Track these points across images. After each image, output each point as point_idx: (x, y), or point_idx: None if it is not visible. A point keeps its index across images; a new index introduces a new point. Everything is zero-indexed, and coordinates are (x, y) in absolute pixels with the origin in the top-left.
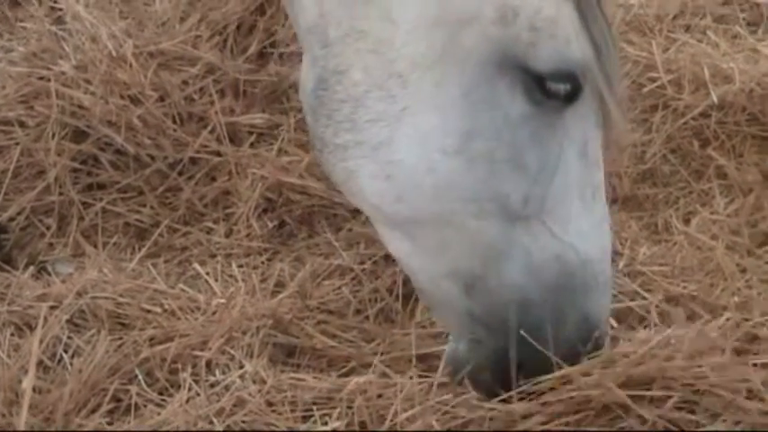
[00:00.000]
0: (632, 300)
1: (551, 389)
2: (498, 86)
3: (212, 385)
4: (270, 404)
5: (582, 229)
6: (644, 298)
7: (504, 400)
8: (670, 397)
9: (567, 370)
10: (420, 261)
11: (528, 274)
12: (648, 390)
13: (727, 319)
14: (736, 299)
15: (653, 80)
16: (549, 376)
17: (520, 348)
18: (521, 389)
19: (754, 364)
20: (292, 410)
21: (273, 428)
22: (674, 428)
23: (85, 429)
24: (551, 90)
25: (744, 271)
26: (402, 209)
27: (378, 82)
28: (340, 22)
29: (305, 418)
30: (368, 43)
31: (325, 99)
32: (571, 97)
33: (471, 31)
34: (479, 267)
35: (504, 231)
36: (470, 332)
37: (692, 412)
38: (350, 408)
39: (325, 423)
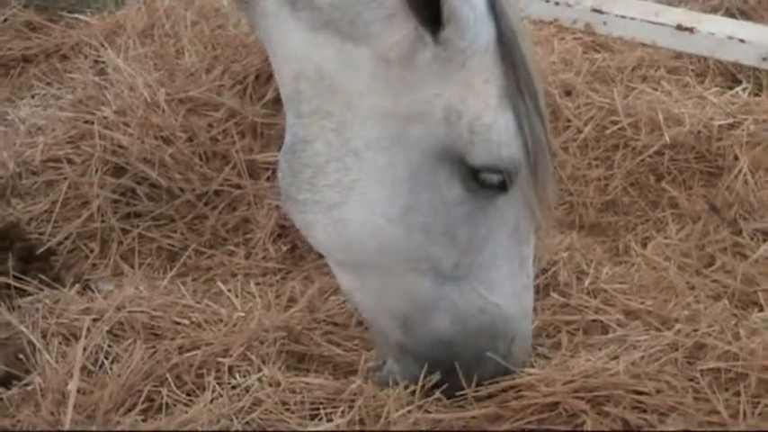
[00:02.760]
0: (596, 313)
1: (519, 396)
2: (439, 173)
3: (233, 387)
4: (283, 403)
5: (506, 291)
6: (606, 312)
7: (478, 403)
8: (623, 399)
9: (522, 379)
10: (363, 298)
11: (453, 323)
12: (605, 395)
13: (678, 331)
14: (686, 312)
15: (615, 123)
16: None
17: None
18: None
19: (701, 370)
20: (302, 409)
21: (286, 425)
22: (628, 428)
23: (123, 426)
24: (484, 181)
25: (693, 288)
26: (349, 257)
27: (336, 155)
28: (310, 100)
29: (312, 416)
30: (331, 122)
31: (292, 161)
32: (502, 188)
33: (420, 126)
34: (412, 313)
35: (435, 288)
36: (400, 356)
37: (645, 411)
38: (351, 407)
39: (330, 420)
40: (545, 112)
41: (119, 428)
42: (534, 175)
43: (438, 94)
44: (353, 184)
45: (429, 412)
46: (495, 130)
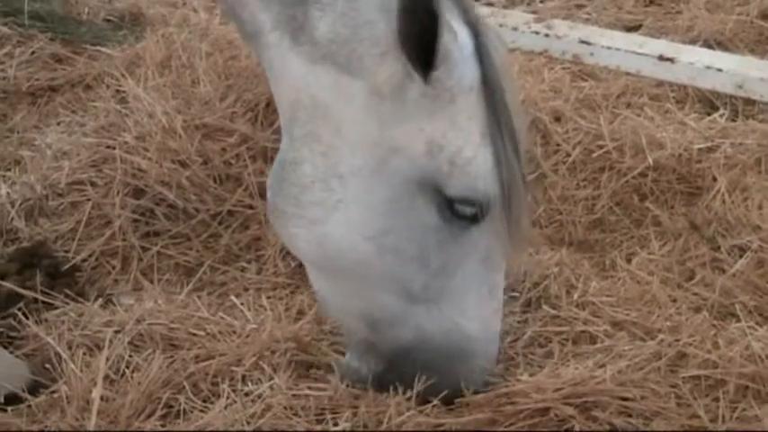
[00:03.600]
0: (585, 324)
1: (512, 402)
2: (417, 200)
3: (246, 394)
4: (291, 409)
5: (473, 315)
6: (594, 323)
7: (474, 408)
8: (610, 405)
9: (516, 387)
10: (335, 299)
11: (419, 340)
12: (593, 401)
13: (662, 340)
14: (668, 323)
15: (601, 147)
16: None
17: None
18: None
19: (683, 377)
20: (308, 414)
21: (294, 429)
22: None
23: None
24: (458, 212)
25: (674, 301)
26: (327, 265)
27: (322, 177)
28: (304, 125)
29: (319, 421)
30: (320, 146)
31: (281, 178)
32: (475, 219)
33: (402, 157)
34: (380, 320)
35: (404, 306)
36: (363, 353)
37: (630, 416)
38: (354, 413)
39: (336, 424)
40: (522, 151)
41: None
42: (508, 210)
43: (422, 129)
44: (336, 203)
45: (428, 416)
46: (474, 165)
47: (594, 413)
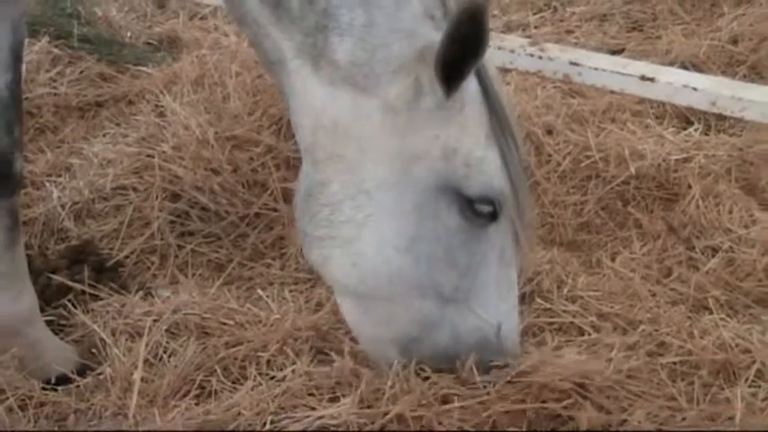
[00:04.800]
0: (573, 316)
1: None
2: (440, 205)
3: (272, 378)
4: (307, 388)
5: (497, 311)
6: (582, 315)
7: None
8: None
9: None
10: (369, 328)
11: (454, 338)
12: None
13: (642, 331)
14: (648, 315)
15: (588, 157)
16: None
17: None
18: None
19: (661, 364)
20: (322, 393)
21: (311, 406)
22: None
23: (179, 409)
24: (478, 210)
25: (654, 295)
26: (362, 287)
27: (350, 194)
28: (326, 147)
29: (331, 399)
30: (345, 165)
31: (310, 203)
32: (493, 217)
33: (422, 164)
34: (417, 333)
35: (438, 309)
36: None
37: (617, 398)
38: (357, 388)
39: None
40: (522, 150)
41: (176, 411)
42: (517, 202)
43: (438, 136)
44: (366, 219)
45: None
46: (485, 163)
47: (585, 393)
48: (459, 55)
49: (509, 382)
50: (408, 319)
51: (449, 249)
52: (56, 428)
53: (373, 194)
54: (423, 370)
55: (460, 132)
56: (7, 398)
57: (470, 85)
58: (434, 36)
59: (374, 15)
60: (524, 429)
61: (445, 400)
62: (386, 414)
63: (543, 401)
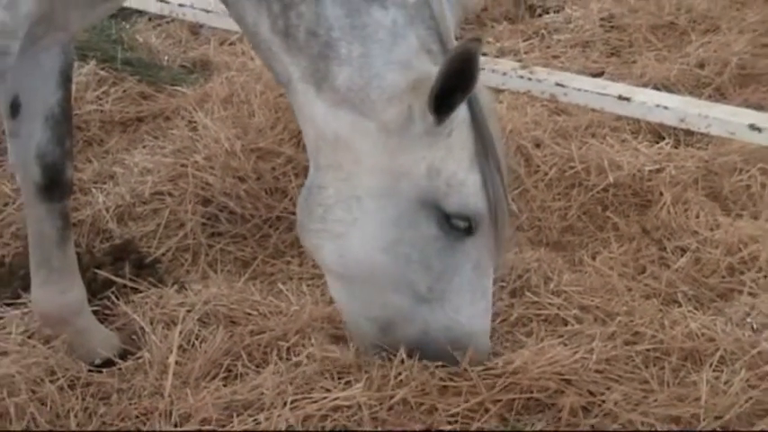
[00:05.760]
0: (558, 309)
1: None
2: (420, 215)
3: (291, 363)
4: (322, 373)
5: (468, 313)
6: (566, 308)
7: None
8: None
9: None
10: (351, 306)
11: (424, 334)
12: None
13: (619, 322)
14: (624, 308)
15: (572, 168)
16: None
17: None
18: None
19: (636, 351)
20: (333, 377)
21: (326, 388)
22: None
23: (209, 390)
24: (454, 225)
25: (630, 290)
26: (346, 274)
27: (343, 199)
28: (327, 156)
29: (345, 383)
30: (341, 173)
31: (309, 200)
32: (468, 231)
33: (408, 180)
34: (391, 320)
35: (411, 305)
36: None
37: (596, 382)
38: (367, 373)
39: (357, 383)
40: (506, 176)
41: (206, 392)
42: (495, 223)
43: (424, 157)
44: (354, 221)
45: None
46: (466, 185)
47: (568, 377)
48: (450, 89)
49: (501, 375)
50: (383, 307)
51: (425, 255)
52: (101, 405)
53: (363, 201)
54: (424, 361)
55: (446, 155)
56: (58, 378)
57: (460, 113)
58: (430, 68)
59: (370, 48)
60: (513, 415)
61: (443, 387)
62: (392, 398)
63: (530, 391)
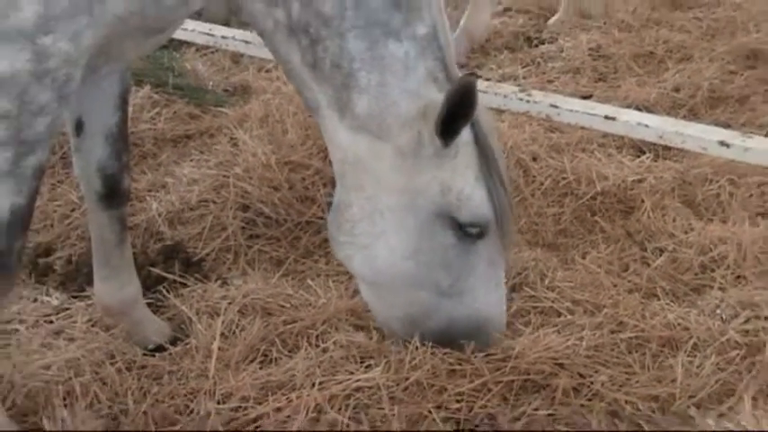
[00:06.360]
0: (552, 302)
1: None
2: (437, 226)
3: (323, 351)
4: (346, 357)
5: (485, 302)
6: (560, 301)
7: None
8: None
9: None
10: (382, 306)
11: (448, 323)
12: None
13: (606, 314)
14: (610, 301)
15: (564, 178)
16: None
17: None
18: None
19: (621, 338)
20: (356, 361)
21: (350, 371)
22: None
23: (247, 372)
24: (468, 231)
25: (615, 285)
26: (375, 280)
27: (367, 215)
28: (351, 177)
29: (366, 365)
30: (364, 193)
31: (338, 217)
32: (480, 236)
33: (424, 197)
34: (417, 316)
35: (436, 301)
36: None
37: (585, 366)
38: (386, 358)
39: (376, 366)
40: (508, 187)
41: (245, 373)
42: (501, 228)
43: (435, 176)
44: (379, 233)
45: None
46: (473, 199)
47: (562, 361)
48: (453, 117)
49: (502, 360)
50: (410, 305)
51: (444, 259)
52: (154, 385)
53: (385, 216)
54: (435, 347)
55: (454, 174)
56: (117, 361)
57: (464, 135)
58: (437, 96)
59: (387, 78)
60: (512, 395)
61: (452, 371)
62: (407, 379)
63: (528, 374)
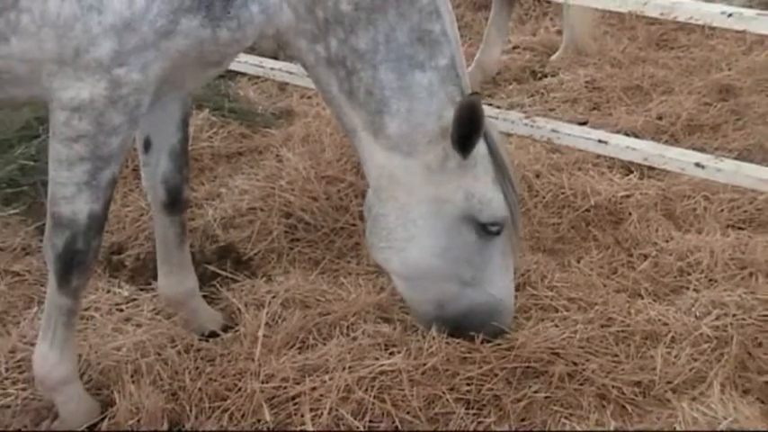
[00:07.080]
0: (551, 300)
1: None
2: (462, 227)
3: (353, 339)
4: (372, 346)
5: (501, 289)
6: (557, 299)
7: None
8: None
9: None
10: (415, 296)
11: (471, 308)
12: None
13: (597, 310)
14: (601, 300)
15: (563, 193)
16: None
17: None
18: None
19: (609, 332)
20: (380, 348)
21: (375, 357)
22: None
23: (287, 356)
24: (489, 230)
25: (605, 286)
26: (410, 276)
27: (402, 223)
28: (386, 190)
29: (390, 352)
30: (398, 203)
31: (375, 226)
32: (497, 233)
33: (451, 203)
34: (445, 302)
35: (460, 289)
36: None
37: (578, 355)
38: (407, 346)
39: (398, 353)
40: (517, 188)
41: (285, 357)
42: (514, 225)
43: (460, 185)
44: (412, 237)
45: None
46: (493, 201)
47: (558, 351)
48: (466, 132)
49: (507, 349)
50: (439, 294)
51: (469, 255)
52: (207, 365)
53: (417, 222)
54: (451, 336)
55: (474, 181)
56: (177, 345)
57: (480, 148)
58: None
59: (414, 104)
60: (515, 379)
61: (463, 358)
62: (425, 365)
63: (529, 361)
